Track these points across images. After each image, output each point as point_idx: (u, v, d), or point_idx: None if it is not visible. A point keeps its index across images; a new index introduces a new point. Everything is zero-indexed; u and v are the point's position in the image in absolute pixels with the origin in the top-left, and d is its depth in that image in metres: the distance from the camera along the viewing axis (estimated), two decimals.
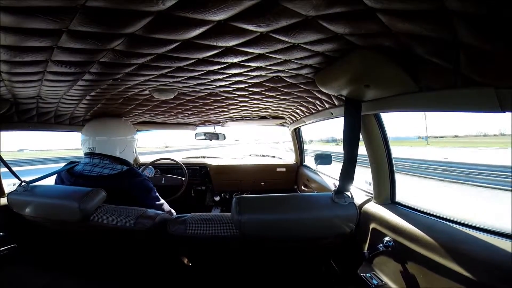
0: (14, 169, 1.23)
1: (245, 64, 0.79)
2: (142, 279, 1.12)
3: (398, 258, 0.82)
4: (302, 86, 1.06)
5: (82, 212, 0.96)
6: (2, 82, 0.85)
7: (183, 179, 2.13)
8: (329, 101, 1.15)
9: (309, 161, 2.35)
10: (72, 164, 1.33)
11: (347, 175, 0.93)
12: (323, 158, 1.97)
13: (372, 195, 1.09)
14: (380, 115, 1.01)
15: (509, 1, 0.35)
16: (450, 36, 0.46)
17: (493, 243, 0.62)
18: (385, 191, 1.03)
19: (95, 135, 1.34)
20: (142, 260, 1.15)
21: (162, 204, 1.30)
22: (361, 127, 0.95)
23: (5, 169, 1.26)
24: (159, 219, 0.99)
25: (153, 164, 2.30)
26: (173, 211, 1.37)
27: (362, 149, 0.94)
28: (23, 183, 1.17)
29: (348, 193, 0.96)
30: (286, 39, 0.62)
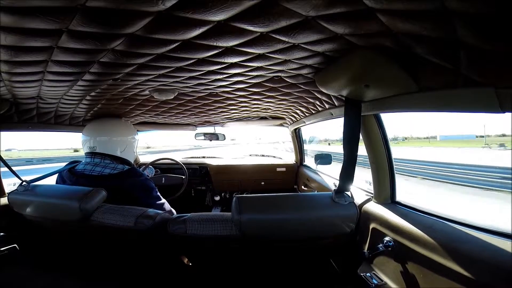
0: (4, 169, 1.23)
1: (245, 64, 0.79)
2: (142, 279, 1.12)
3: (398, 258, 0.82)
4: (302, 86, 1.06)
5: (83, 211, 0.96)
6: (2, 82, 0.85)
7: (183, 177, 2.14)
8: (329, 101, 1.15)
9: (309, 161, 2.36)
10: (73, 163, 1.34)
11: (347, 175, 0.93)
12: (323, 158, 1.97)
13: (372, 195, 1.09)
14: (380, 115, 1.01)
15: (509, 1, 0.35)
16: (450, 36, 0.46)
17: (493, 243, 0.61)
18: (385, 190, 1.03)
19: (96, 136, 1.34)
20: (142, 260, 1.15)
21: (163, 204, 1.30)
22: (361, 127, 0.95)
23: (4, 169, 1.27)
24: (159, 218, 0.99)
25: (153, 164, 2.30)
26: (173, 210, 1.37)
27: (362, 149, 0.94)
28: (24, 183, 1.17)
29: (348, 193, 0.96)
30: (286, 39, 0.62)
